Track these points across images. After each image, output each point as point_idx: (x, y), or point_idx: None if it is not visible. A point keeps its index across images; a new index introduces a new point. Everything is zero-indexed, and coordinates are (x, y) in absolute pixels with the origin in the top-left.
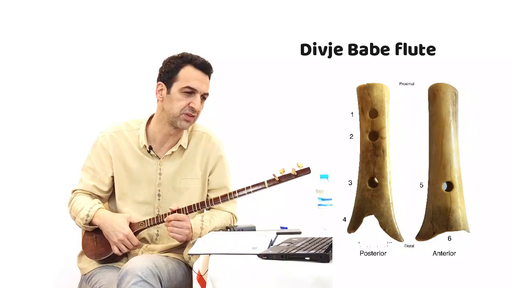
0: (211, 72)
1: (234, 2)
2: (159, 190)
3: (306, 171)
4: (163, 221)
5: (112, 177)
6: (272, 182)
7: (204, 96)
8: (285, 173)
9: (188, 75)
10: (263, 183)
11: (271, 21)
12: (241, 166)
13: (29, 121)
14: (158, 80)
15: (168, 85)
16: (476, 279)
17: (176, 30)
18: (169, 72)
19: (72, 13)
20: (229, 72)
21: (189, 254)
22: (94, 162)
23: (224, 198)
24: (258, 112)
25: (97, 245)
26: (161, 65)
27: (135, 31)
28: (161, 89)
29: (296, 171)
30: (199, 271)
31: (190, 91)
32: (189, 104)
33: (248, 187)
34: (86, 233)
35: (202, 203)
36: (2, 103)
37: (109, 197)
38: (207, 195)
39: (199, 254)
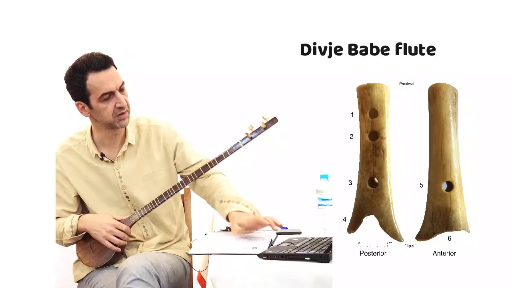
0: (112, 62)
1: (235, 2)
2: (125, 193)
3: (274, 121)
4: (153, 208)
5: (77, 196)
6: (245, 140)
7: (121, 88)
8: (254, 129)
9: (95, 83)
10: (237, 143)
11: (271, 21)
12: (241, 167)
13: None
14: (74, 100)
15: (86, 101)
16: (476, 279)
17: (174, 28)
18: (78, 90)
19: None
20: (228, 72)
21: (189, 255)
22: (55, 188)
23: (205, 168)
24: (258, 112)
25: (95, 252)
26: (65, 84)
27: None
28: (83, 107)
29: (265, 124)
30: (199, 271)
31: (108, 96)
32: (115, 105)
33: (225, 152)
34: (79, 245)
35: (186, 179)
36: None
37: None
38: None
39: (199, 254)
